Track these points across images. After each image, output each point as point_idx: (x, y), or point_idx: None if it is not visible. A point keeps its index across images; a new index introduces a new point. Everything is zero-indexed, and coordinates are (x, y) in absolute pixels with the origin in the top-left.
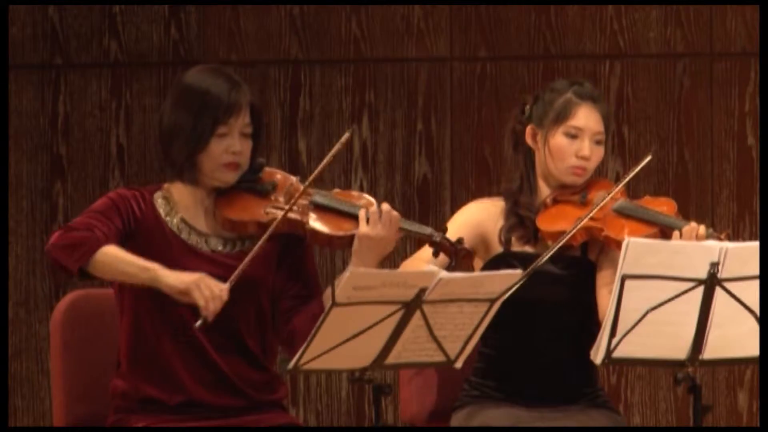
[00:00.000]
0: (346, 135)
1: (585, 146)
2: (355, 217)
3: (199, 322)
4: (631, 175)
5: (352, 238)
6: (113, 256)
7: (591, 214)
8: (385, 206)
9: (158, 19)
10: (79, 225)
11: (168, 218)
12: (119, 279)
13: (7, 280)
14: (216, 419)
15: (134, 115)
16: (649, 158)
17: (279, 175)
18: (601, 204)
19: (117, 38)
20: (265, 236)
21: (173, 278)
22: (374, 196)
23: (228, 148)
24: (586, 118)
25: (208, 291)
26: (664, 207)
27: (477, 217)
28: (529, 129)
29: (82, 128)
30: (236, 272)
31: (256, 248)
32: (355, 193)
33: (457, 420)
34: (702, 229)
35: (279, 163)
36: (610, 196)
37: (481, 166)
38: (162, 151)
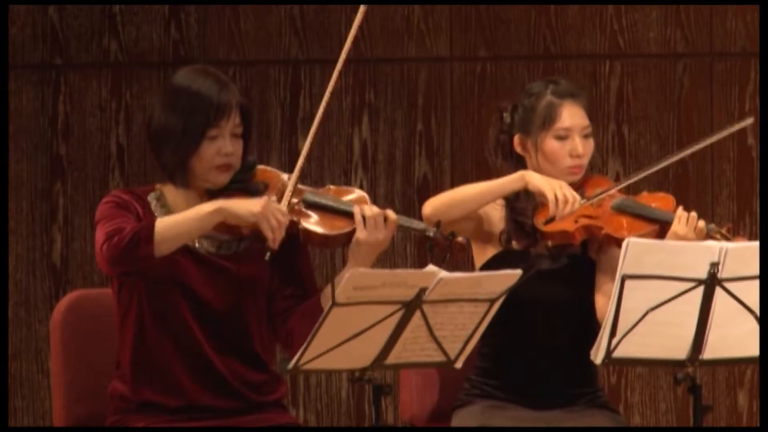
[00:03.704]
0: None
1: (577, 144)
2: (348, 215)
3: (267, 255)
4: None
5: (346, 236)
6: (169, 225)
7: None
8: (380, 210)
9: (158, 19)
10: (114, 230)
11: None
12: (186, 241)
13: (7, 280)
14: (215, 419)
15: (134, 115)
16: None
17: (270, 174)
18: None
19: (117, 38)
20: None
21: (242, 212)
22: (374, 196)
23: (219, 150)
24: (571, 116)
25: (275, 220)
26: (661, 202)
27: None
28: (516, 138)
29: (82, 128)
30: (286, 193)
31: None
32: (347, 188)
33: (458, 419)
34: (694, 215)
35: (279, 163)
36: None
37: (481, 166)
38: (153, 154)
